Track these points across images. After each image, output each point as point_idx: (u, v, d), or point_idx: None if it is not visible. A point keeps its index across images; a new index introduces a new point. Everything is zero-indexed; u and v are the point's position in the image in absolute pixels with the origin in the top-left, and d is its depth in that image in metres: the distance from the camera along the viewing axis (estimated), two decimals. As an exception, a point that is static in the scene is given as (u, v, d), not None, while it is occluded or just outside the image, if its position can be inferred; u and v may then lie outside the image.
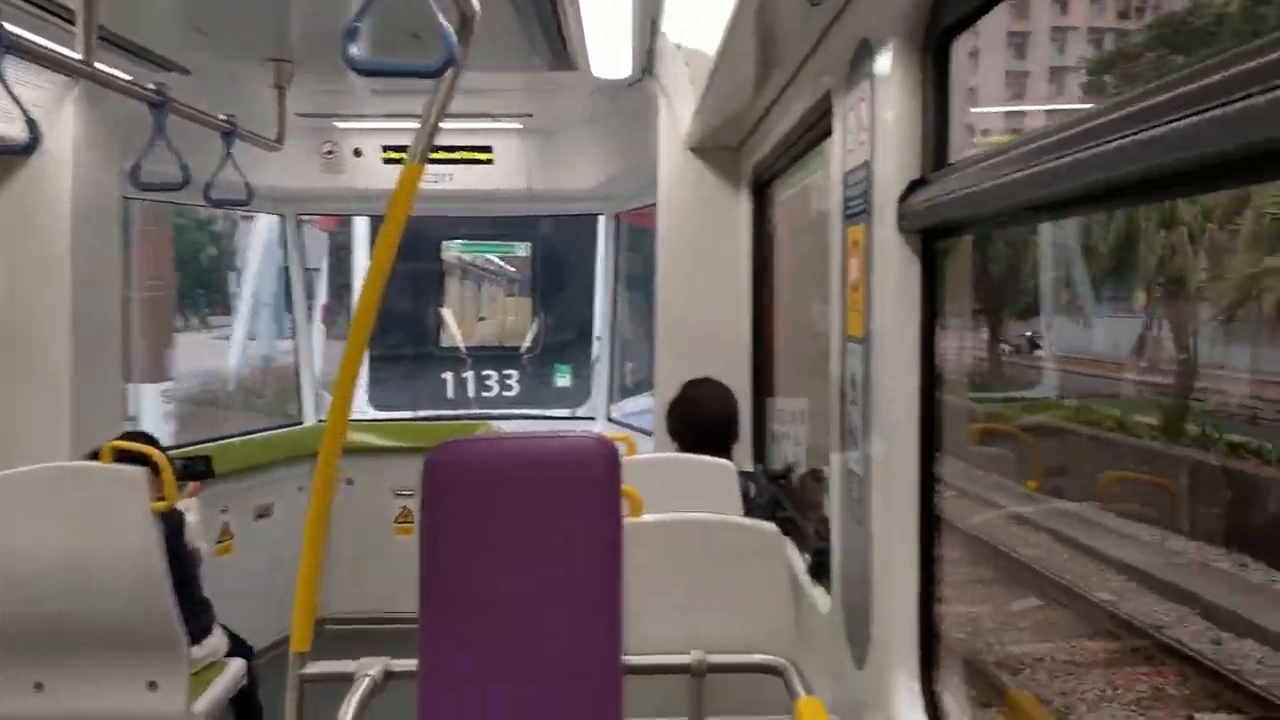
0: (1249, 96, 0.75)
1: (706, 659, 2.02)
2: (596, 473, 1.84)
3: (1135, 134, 0.94)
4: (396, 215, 1.91)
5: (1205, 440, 11.33)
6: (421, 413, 6.71)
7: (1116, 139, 0.97)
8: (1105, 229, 17.17)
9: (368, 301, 1.95)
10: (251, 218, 9.69)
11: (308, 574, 1.98)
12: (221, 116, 3.54)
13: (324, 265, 9.09)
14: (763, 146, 3.32)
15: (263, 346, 12.45)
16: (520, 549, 1.82)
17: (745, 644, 2.08)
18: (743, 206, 3.80)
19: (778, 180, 3.58)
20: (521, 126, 4.85)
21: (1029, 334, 22.30)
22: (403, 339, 8.33)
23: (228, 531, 4.73)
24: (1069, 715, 5.58)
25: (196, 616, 3.17)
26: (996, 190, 1.32)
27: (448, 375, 7.33)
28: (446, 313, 8.57)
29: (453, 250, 8.82)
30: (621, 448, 3.78)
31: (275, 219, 5.60)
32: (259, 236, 10.34)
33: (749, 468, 3.67)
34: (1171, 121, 0.87)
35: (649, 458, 3.19)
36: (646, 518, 2.14)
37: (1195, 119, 0.83)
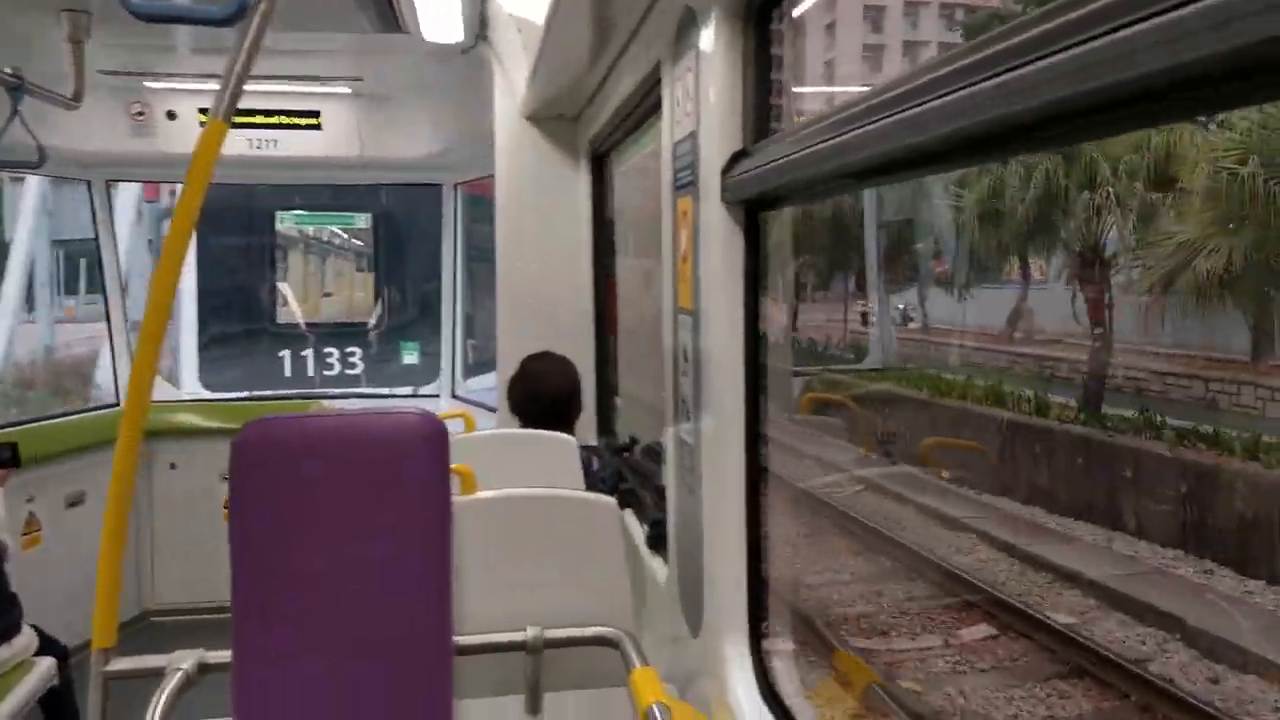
0: (1066, 49, 0.75)
1: (543, 635, 2.00)
2: (421, 449, 1.78)
3: (943, 96, 0.93)
4: (197, 178, 1.77)
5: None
6: (258, 393, 6.40)
7: (926, 101, 0.97)
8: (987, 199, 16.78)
9: (166, 272, 1.81)
10: (21, 181, 8.83)
11: (108, 564, 1.84)
12: (7, 70, 3.22)
13: (138, 234, 8.46)
14: (600, 117, 3.28)
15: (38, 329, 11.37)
16: (338, 526, 1.74)
17: (583, 618, 2.07)
18: (582, 178, 3.76)
19: (616, 151, 3.55)
20: (351, 91, 4.64)
21: (901, 306, 22.95)
22: (236, 316, 7.91)
23: (35, 523, 4.39)
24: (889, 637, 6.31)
25: (2, 614, 2.96)
26: (815, 159, 1.33)
27: (285, 353, 7.00)
28: (284, 287, 8.19)
29: (288, 222, 8.44)
30: (459, 425, 3.74)
31: (45, 184, 5.18)
32: (29, 203, 9.30)
33: (594, 441, 3.67)
34: (978, 82, 0.86)
35: (487, 434, 3.13)
36: (480, 495, 2.10)
37: (1005, 76, 0.83)
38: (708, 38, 1.73)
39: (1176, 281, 12.39)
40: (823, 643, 4.61)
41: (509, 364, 3.34)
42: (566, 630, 2.03)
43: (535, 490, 2.11)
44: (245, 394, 6.26)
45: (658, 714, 1.59)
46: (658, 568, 2.43)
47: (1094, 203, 14.41)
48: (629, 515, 2.91)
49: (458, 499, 1.95)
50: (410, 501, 1.78)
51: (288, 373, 6.91)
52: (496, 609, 2.03)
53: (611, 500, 2.24)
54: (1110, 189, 14.40)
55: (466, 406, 5.14)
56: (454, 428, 3.70)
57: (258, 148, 4.71)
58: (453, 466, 2.08)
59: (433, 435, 1.80)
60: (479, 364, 5.96)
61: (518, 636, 1.99)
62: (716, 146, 1.73)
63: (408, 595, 1.78)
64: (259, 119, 4.67)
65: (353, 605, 1.76)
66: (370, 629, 1.76)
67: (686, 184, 1.90)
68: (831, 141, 1.25)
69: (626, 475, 3.15)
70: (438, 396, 5.62)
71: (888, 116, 1.07)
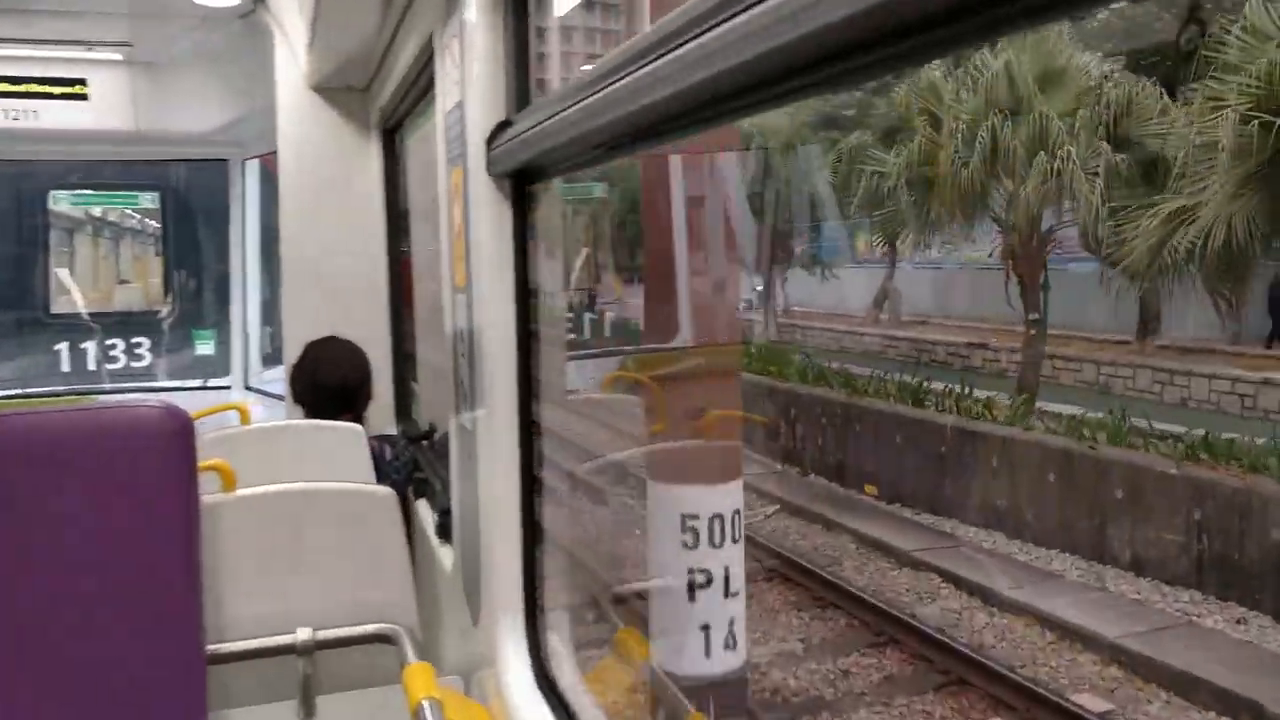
0: None
1: (314, 636, 1.89)
2: (161, 446, 1.63)
3: (700, 37, 0.85)
4: None
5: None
6: (29, 390, 5.84)
7: (682, 44, 0.88)
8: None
9: None
10: None
11: None
12: None
13: None
14: (388, 88, 3.14)
15: None
16: (57, 537, 1.57)
17: (362, 615, 1.98)
18: (373, 152, 3.59)
19: (407, 124, 3.41)
20: (121, 58, 4.26)
21: (759, 288, 22.87)
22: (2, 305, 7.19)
23: None
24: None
25: None
26: (574, 125, 1.28)
27: (62, 346, 6.40)
28: (62, 274, 7.50)
29: (64, 203, 7.73)
30: (233, 416, 3.52)
31: None
32: None
33: (391, 430, 3.53)
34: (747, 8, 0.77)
35: (265, 426, 2.96)
36: (238, 493, 1.95)
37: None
38: (471, 5, 1.66)
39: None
40: (607, 622, 4.71)
41: (296, 350, 3.16)
42: (340, 630, 1.93)
43: (299, 485, 1.99)
44: (11, 392, 5.69)
45: (427, 710, 1.53)
46: (446, 557, 2.36)
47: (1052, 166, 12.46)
48: (423, 505, 2.81)
49: (211, 498, 1.81)
50: (148, 504, 1.62)
51: (66, 367, 6.33)
52: (262, 612, 1.91)
53: (388, 491, 2.15)
54: (1069, 149, 12.42)
55: (260, 398, 4.86)
56: (232, 420, 3.48)
57: (15, 119, 4.26)
58: (210, 463, 1.93)
59: (176, 430, 1.65)
60: (281, 353, 5.64)
61: (285, 640, 1.88)
62: (481, 117, 1.66)
63: (148, 606, 1.63)
64: (19, 86, 4.22)
65: (77, 624, 1.59)
66: (102, 647, 1.60)
67: (457, 156, 1.83)
68: (587, 102, 1.19)
69: (423, 464, 3.04)
70: (229, 388, 5.29)
71: (641, 68, 1.01)
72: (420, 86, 2.72)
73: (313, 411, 2.95)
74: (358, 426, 2.76)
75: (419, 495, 2.87)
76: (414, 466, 3.01)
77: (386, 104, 3.29)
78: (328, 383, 2.95)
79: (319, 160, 3.58)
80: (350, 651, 1.97)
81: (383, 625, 1.91)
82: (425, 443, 3.29)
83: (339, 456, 2.64)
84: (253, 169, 5.29)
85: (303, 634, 1.88)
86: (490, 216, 1.67)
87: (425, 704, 1.54)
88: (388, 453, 2.96)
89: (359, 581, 2.06)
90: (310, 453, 2.63)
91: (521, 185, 1.65)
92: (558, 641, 1.79)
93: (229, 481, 1.98)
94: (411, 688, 1.60)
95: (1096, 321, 16.40)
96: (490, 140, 1.63)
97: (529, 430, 1.72)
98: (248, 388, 5.26)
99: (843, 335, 21.87)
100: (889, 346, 20.21)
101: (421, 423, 3.50)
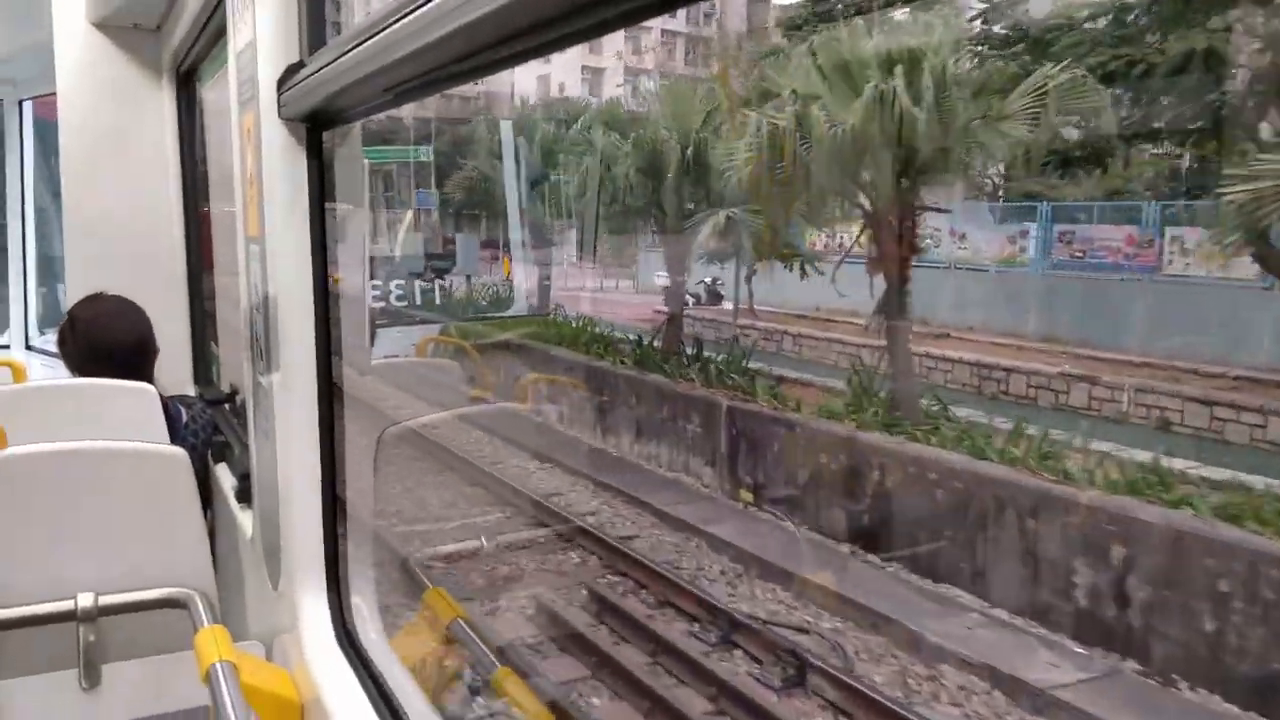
0: None
1: (97, 602, 1.80)
2: None
3: None
4: None
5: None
6: None
7: None
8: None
9: None
10: None
11: None
12: None
13: None
14: (180, 28, 2.92)
15: None
16: None
17: (154, 580, 1.89)
18: (166, 98, 3.34)
19: (204, 70, 3.19)
20: None
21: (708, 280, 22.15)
22: None
23: None
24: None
25: None
26: (365, 69, 1.22)
27: None
28: None
29: None
30: (4, 374, 3.24)
31: None
32: None
33: (190, 392, 3.34)
34: None
35: (45, 384, 2.74)
36: (9, 450, 1.81)
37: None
38: None
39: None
40: (414, 582, 4.69)
41: None
42: (127, 595, 1.84)
43: (75, 444, 1.86)
44: None
45: (220, 673, 1.47)
46: (246, 522, 2.26)
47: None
48: (223, 469, 2.67)
49: None
50: None
51: None
52: (41, 578, 1.80)
53: (177, 451, 2.04)
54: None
55: (45, 359, 4.49)
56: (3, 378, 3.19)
57: None
58: None
59: None
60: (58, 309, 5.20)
61: (65, 606, 1.78)
62: (273, 58, 1.57)
63: None
64: None
65: None
66: None
67: (249, 99, 1.72)
68: (376, 40, 1.14)
69: (223, 428, 2.89)
70: (7, 347, 4.84)
71: (427, 3, 0.97)
72: (214, 27, 2.55)
73: (92, 373, 2.74)
74: (149, 386, 2.60)
75: (219, 459, 2.73)
76: (213, 430, 2.86)
77: (179, 46, 3.06)
78: (102, 345, 2.73)
79: (104, 105, 3.30)
80: (144, 619, 1.88)
81: (173, 590, 1.83)
82: (227, 406, 3.13)
83: (129, 419, 2.48)
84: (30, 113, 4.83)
85: (84, 600, 1.79)
86: (283, 163, 1.59)
87: (218, 667, 1.48)
88: (184, 415, 2.80)
89: (149, 546, 1.96)
90: (97, 414, 2.45)
91: (317, 131, 1.57)
92: (362, 604, 1.75)
93: None
94: (203, 652, 1.53)
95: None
96: (282, 83, 1.55)
97: (329, 390, 1.66)
98: (29, 347, 4.84)
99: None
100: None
101: (222, 385, 3.32)
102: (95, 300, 2.80)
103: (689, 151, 14.83)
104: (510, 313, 18.37)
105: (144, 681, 1.85)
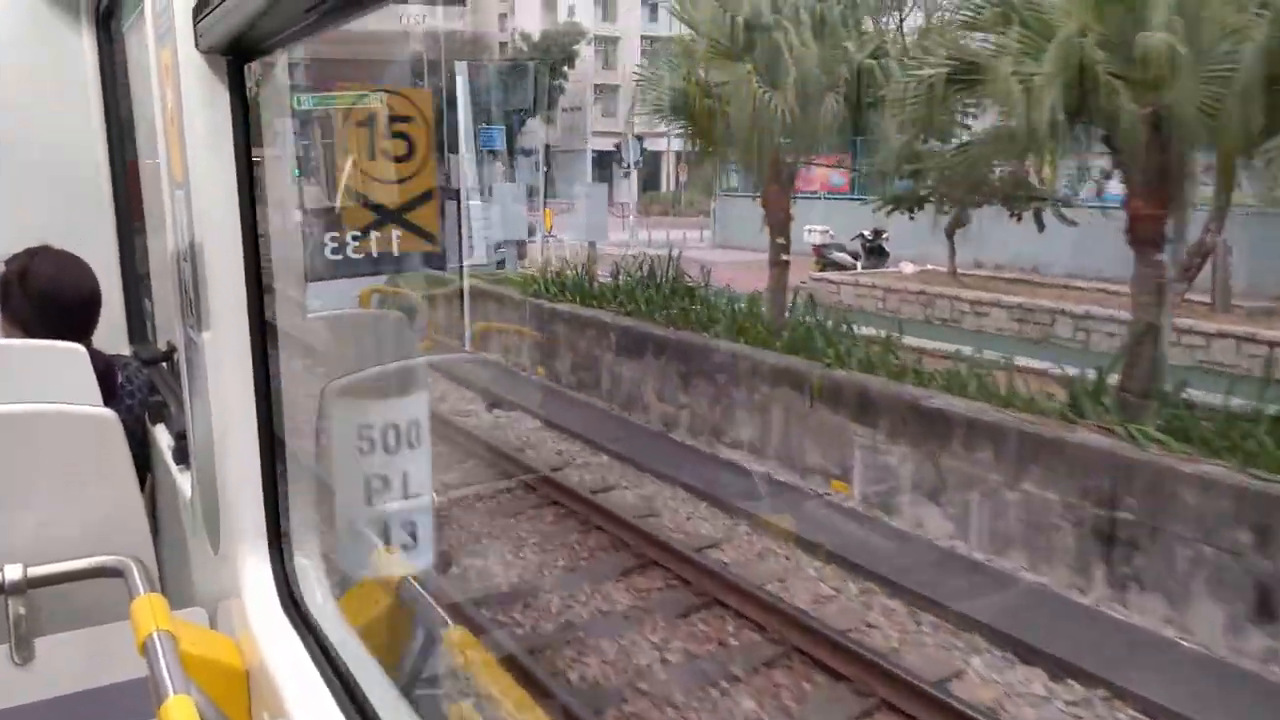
0: None
1: (26, 573, 1.70)
2: None
3: None
4: None
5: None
6: None
7: None
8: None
9: None
10: None
11: None
12: None
13: None
14: (97, -37, 2.75)
15: None
16: None
17: (89, 549, 1.80)
18: (86, 39, 3.16)
19: (126, 11, 3.02)
20: None
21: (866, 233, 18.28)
22: None
23: None
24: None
25: None
26: None
27: None
28: None
29: None
30: None
31: None
32: None
33: (125, 351, 3.20)
34: None
35: None
36: None
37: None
38: None
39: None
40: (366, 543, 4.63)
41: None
42: (59, 565, 1.75)
43: (1, 408, 1.75)
44: None
45: (157, 642, 1.39)
46: (184, 483, 2.17)
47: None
48: (160, 430, 2.57)
49: None
50: None
51: None
52: None
53: (108, 413, 1.94)
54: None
55: None
56: None
57: None
58: None
59: None
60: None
61: None
62: None
63: None
64: None
65: None
66: None
67: (166, 32, 1.60)
68: None
69: (160, 387, 2.77)
70: None
71: None
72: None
73: (30, 335, 2.61)
74: (79, 346, 2.47)
75: (156, 420, 2.62)
76: (150, 390, 2.74)
77: (98, -18, 2.89)
78: (54, 302, 2.59)
79: (17, 46, 3.11)
80: (80, 589, 1.79)
81: (107, 558, 1.74)
82: (165, 365, 3.01)
83: (59, 380, 2.35)
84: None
85: (12, 571, 1.69)
86: (204, 100, 1.48)
87: (155, 636, 1.40)
88: (119, 376, 2.68)
89: (81, 513, 1.86)
90: (23, 376, 2.32)
91: (238, 64, 1.46)
92: (308, 566, 1.68)
93: None
94: (139, 621, 1.46)
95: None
96: (198, 11, 1.43)
97: (263, 343, 1.57)
98: None
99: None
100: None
101: (159, 343, 3.19)
102: (43, 254, 2.65)
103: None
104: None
105: (80, 654, 1.76)
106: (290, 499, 1.67)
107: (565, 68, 45.06)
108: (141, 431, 2.64)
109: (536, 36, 46.70)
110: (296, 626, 1.53)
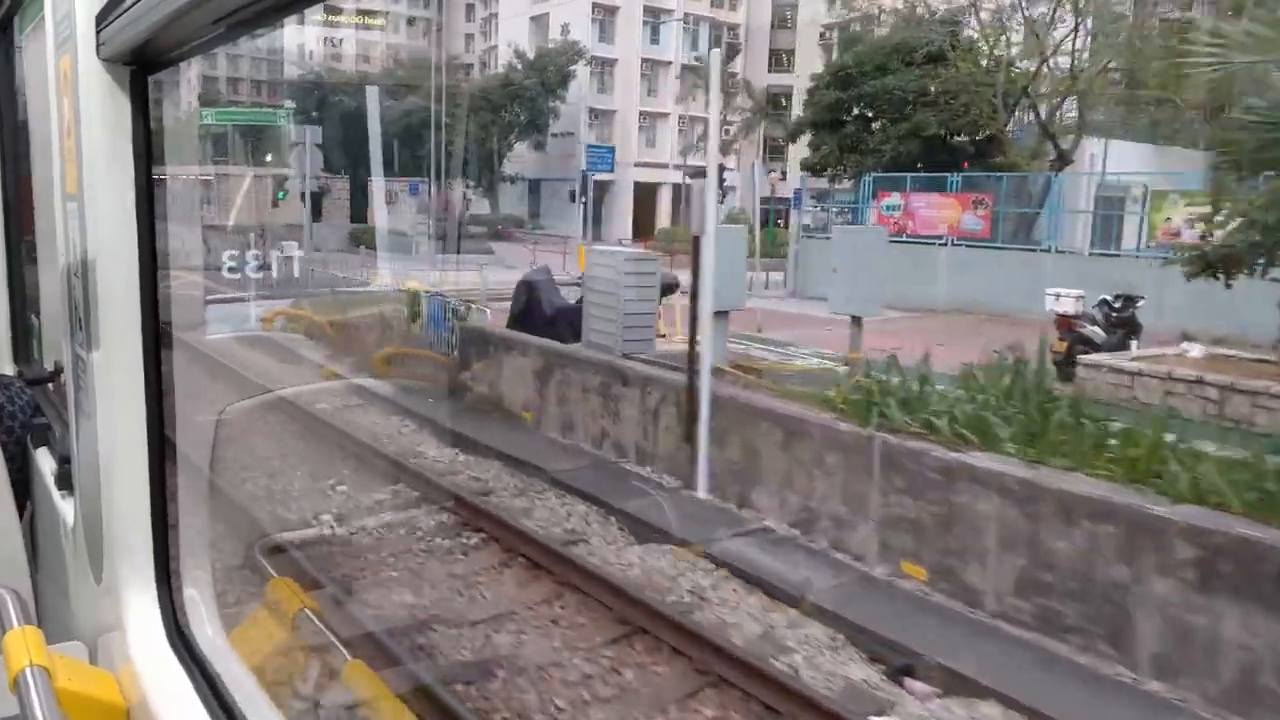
0: None
1: None
2: None
3: None
4: None
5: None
6: None
7: None
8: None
9: None
10: None
11: None
12: None
13: None
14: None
15: None
16: None
17: None
18: None
19: (24, 20, 2.89)
20: None
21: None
22: None
23: None
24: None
25: None
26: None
27: None
28: None
29: None
30: None
31: None
32: None
33: (8, 370, 3.04)
34: None
35: None
36: None
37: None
38: None
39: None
40: (259, 573, 4.40)
41: None
42: None
43: None
44: None
45: (30, 678, 1.31)
46: (67, 510, 2.06)
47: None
48: (43, 454, 2.43)
49: None
50: None
51: None
52: None
53: None
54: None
55: None
56: None
57: None
58: None
59: None
60: None
61: None
62: None
63: None
64: None
65: None
66: None
67: (65, 39, 1.54)
68: None
69: (45, 409, 2.64)
70: None
71: None
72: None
73: None
74: None
75: (39, 444, 2.49)
76: (34, 411, 2.61)
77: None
78: None
79: None
80: None
81: None
82: (50, 385, 2.87)
83: None
84: None
85: None
86: (104, 111, 1.43)
87: (29, 671, 1.32)
88: (0, 397, 2.54)
89: None
90: None
91: (142, 75, 1.42)
92: (198, 597, 1.61)
93: None
94: (12, 655, 1.37)
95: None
96: (101, 18, 1.38)
97: (157, 365, 1.51)
98: None
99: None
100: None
101: (45, 363, 3.04)
102: None
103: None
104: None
105: None
106: (181, 527, 1.60)
107: (560, 90, 43.66)
108: (22, 455, 2.51)
109: (510, 59, 44.52)
110: (183, 661, 1.46)
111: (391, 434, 9.57)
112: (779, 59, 49.97)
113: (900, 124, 26.68)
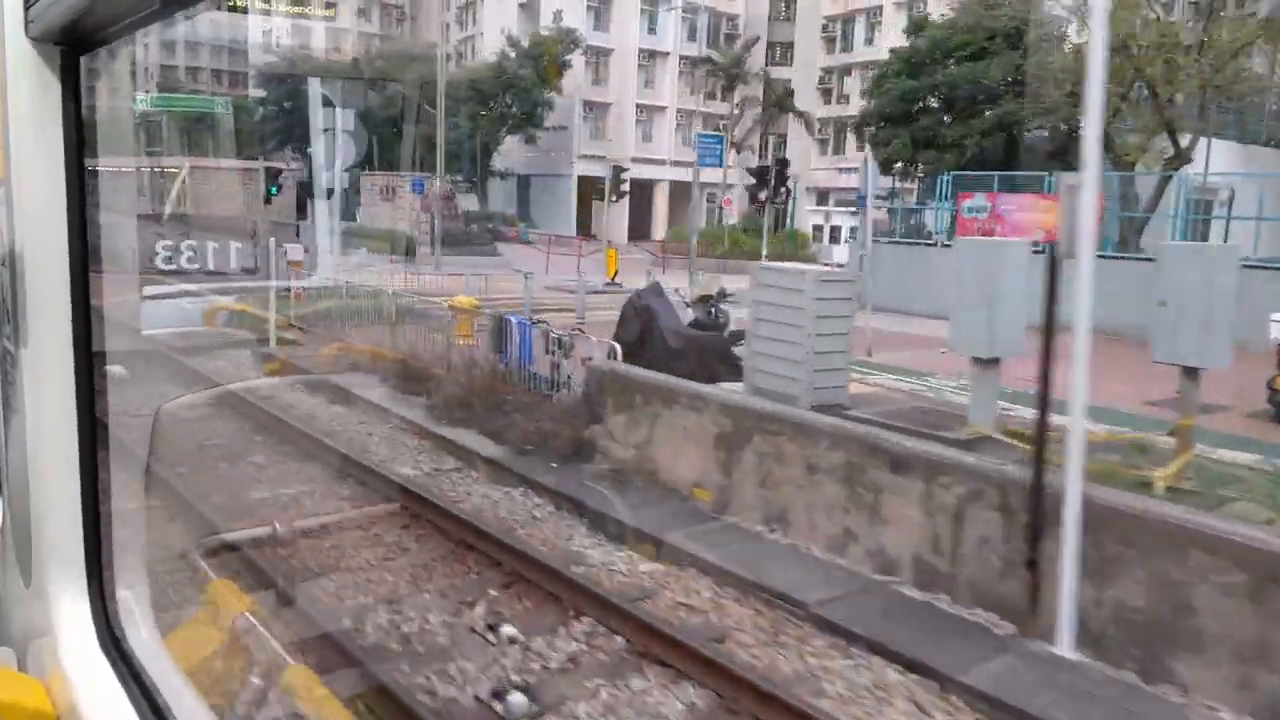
0: None
1: None
2: None
3: None
4: None
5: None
6: None
7: None
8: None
9: None
10: None
11: None
12: None
13: None
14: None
15: None
16: None
17: None
18: None
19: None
20: None
21: None
22: None
23: None
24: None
25: None
26: None
27: None
28: None
29: None
30: None
31: None
32: None
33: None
34: None
35: None
36: None
37: None
38: None
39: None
40: (197, 575, 4.20)
41: None
42: None
43: None
44: None
45: None
46: None
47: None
48: None
49: None
50: None
51: None
52: None
53: None
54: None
55: None
56: None
57: None
58: None
59: None
60: None
61: None
62: None
63: None
64: None
65: None
66: None
67: None
68: None
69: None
70: None
71: None
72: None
73: None
74: None
75: None
76: None
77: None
78: None
79: None
80: None
81: None
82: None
83: None
84: None
85: None
86: (32, 93, 1.37)
87: None
88: None
89: None
90: None
91: (73, 55, 1.36)
92: (132, 600, 1.55)
93: None
94: None
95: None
96: None
97: (89, 359, 1.45)
98: None
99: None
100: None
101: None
102: None
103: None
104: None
105: None
106: (115, 526, 1.54)
107: (555, 80, 41.94)
108: None
109: (503, 47, 42.57)
110: (116, 666, 1.41)
111: (524, 519, 7.04)
112: (775, 52, 48.98)
113: (981, 116, 24.28)
